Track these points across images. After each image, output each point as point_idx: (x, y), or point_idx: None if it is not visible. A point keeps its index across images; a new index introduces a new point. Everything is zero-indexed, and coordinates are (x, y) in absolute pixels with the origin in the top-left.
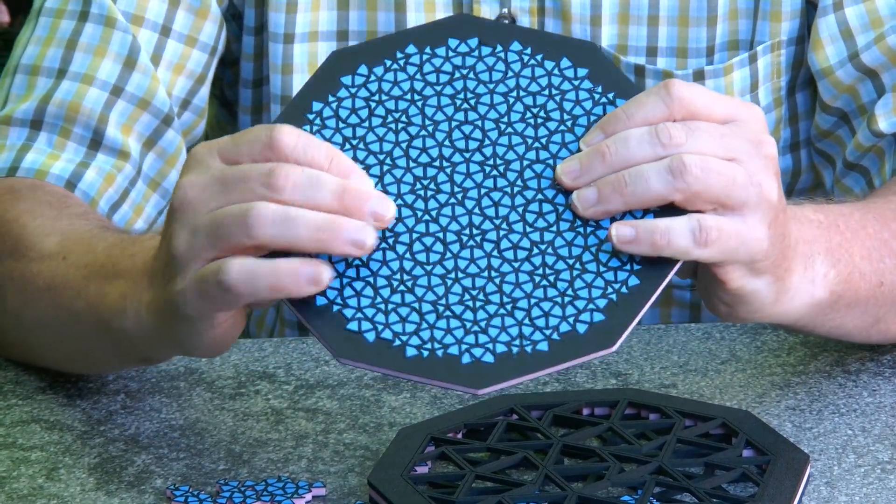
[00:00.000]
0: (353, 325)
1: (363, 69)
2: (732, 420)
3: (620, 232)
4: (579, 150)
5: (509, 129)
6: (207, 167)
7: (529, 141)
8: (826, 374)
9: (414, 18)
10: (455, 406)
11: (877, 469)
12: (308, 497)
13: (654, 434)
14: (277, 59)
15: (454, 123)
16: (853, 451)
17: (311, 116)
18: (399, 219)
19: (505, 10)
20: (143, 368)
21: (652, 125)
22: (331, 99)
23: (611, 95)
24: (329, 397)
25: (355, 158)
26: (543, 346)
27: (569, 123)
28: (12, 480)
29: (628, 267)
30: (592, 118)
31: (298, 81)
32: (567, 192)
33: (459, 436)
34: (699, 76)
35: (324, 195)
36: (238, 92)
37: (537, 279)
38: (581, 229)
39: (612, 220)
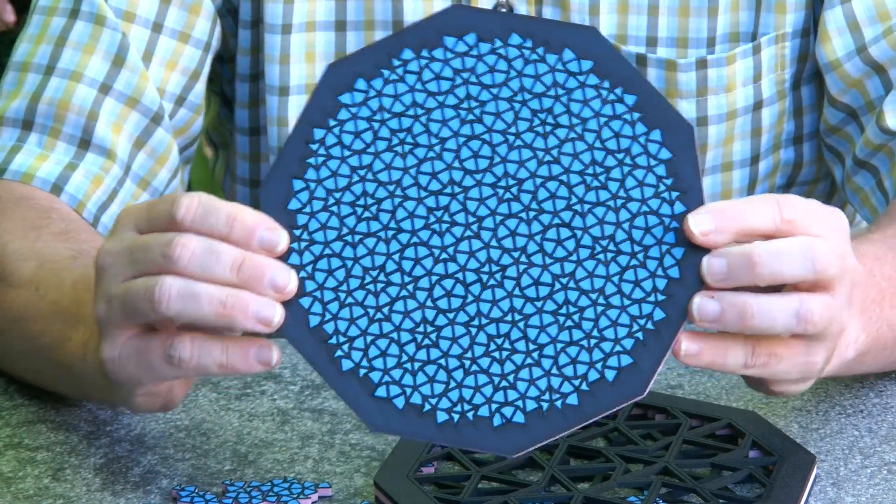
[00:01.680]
0: (381, 392)
1: (361, 83)
2: (739, 421)
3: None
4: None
5: (518, 142)
6: (122, 236)
7: (540, 154)
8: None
9: (412, 7)
10: None
11: (883, 470)
12: (314, 497)
13: (660, 435)
14: (275, 49)
15: (461, 140)
16: (860, 451)
17: (314, 147)
18: (416, 260)
19: None
20: None
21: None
22: (332, 123)
23: (619, 91)
24: (335, 398)
25: (364, 192)
26: (573, 400)
27: (578, 130)
28: (18, 481)
29: (652, 298)
30: (602, 120)
31: (296, 72)
32: (584, 214)
33: None
34: (702, 65)
35: (222, 269)
36: (235, 87)
37: (561, 319)
38: (601, 256)
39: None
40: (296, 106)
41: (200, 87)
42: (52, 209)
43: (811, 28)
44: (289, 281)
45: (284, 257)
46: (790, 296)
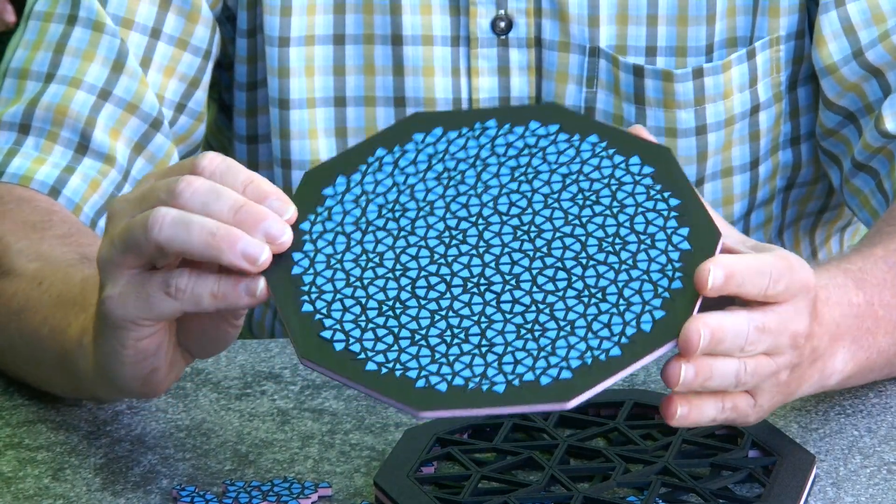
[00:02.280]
0: (326, 334)
1: (438, 130)
2: None
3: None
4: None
5: (555, 205)
6: (141, 186)
7: (570, 218)
8: None
9: (410, 22)
10: None
11: (882, 470)
12: (314, 497)
13: (659, 434)
14: (274, 62)
15: (505, 190)
16: (859, 451)
17: (371, 159)
18: (414, 257)
19: (501, 12)
20: None
21: (746, 318)
22: (396, 149)
23: (666, 195)
24: (335, 398)
25: (397, 200)
26: (500, 388)
27: (615, 210)
28: (18, 480)
29: (616, 339)
30: (640, 210)
31: (296, 85)
32: (586, 266)
33: (465, 436)
34: (698, 74)
35: (220, 206)
36: (233, 95)
37: (523, 332)
38: (586, 299)
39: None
40: (297, 120)
41: (201, 94)
42: (53, 211)
43: (805, 30)
44: (283, 232)
45: (300, 220)
46: (733, 359)
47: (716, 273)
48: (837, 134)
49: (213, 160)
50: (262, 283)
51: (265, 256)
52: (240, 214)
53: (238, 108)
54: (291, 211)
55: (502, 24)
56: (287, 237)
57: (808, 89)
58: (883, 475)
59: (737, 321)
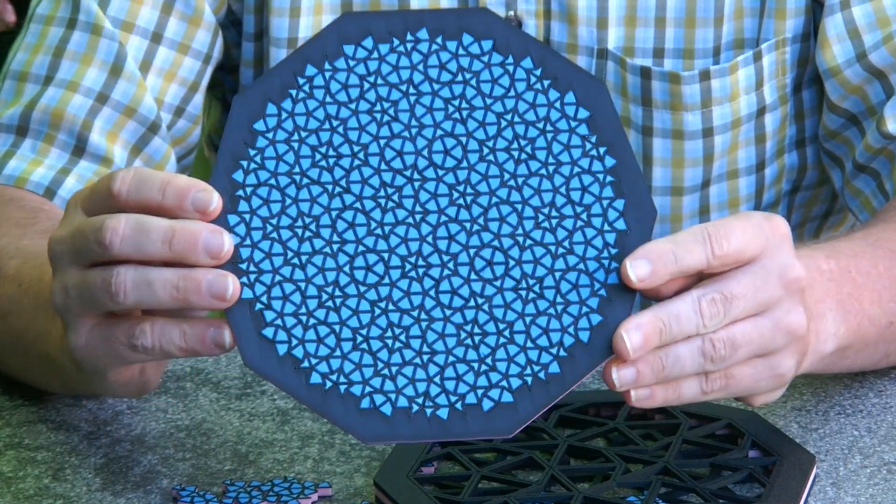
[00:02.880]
0: (268, 332)
1: (368, 41)
2: (738, 421)
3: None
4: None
5: (490, 157)
6: (70, 221)
7: (506, 177)
8: (832, 375)
9: None
10: None
11: (883, 470)
12: (314, 497)
13: (659, 435)
14: None
15: (439, 132)
16: (859, 451)
17: (301, 81)
18: (351, 225)
19: (511, 13)
20: None
21: (692, 295)
22: (327, 67)
23: (602, 150)
24: None
25: (329, 142)
26: (443, 413)
27: (550, 169)
28: (18, 480)
29: (554, 351)
30: (575, 169)
31: None
32: (523, 248)
33: None
34: (705, 76)
35: (153, 244)
36: None
37: (462, 336)
38: (523, 293)
39: (560, 298)
40: None
41: (199, 98)
42: (41, 210)
43: (811, 32)
44: (223, 245)
45: (231, 169)
46: (694, 338)
47: (636, 265)
48: (840, 136)
49: (123, 179)
50: (227, 335)
51: (233, 288)
52: (175, 245)
53: None
54: (215, 200)
55: (524, 32)
56: (228, 245)
57: (812, 92)
58: (883, 475)
59: (678, 305)
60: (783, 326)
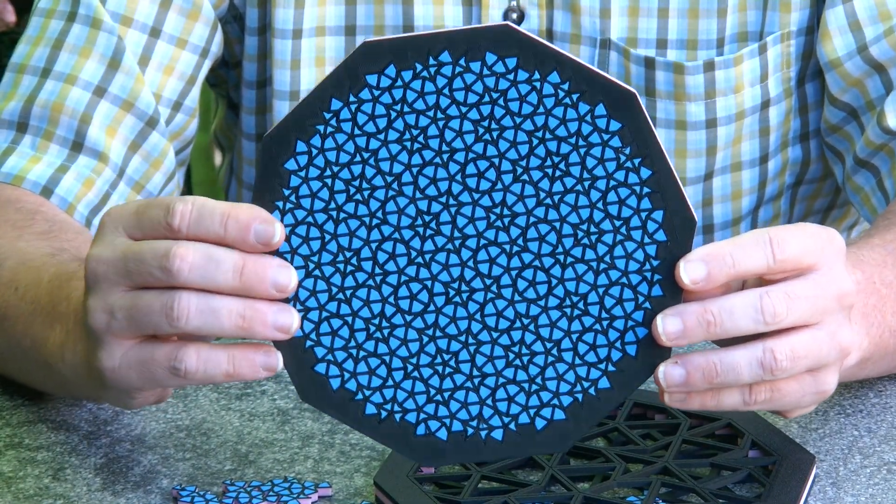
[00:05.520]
0: (320, 368)
1: (391, 70)
2: (738, 421)
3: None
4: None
5: (524, 176)
6: (112, 242)
7: (542, 195)
8: None
9: (422, 12)
10: None
11: (882, 470)
12: (314, 497)
13: (659, 434)
14: (285, 55)
15: (471, 156)
16: (859, 451)
17: (327, 116)
18: (392, 255)
19: (513, 3)
20: None
21: (755, 292)
22: (352, 99)
23: (637, 161)
24: None
25: (362, 175)
26: (498, 435)
27: (586, 185)
28: (18, 480)
29: (602, 366)
30: (611, 183)
31: (306, 76)
32: (565, 265)
33: None
34: (709, 67)
35: (224, 276)
36: (241, 93)
37: (511, 357)
38: (568, 311)
39: (605, 309)
40: None
41: (196, 91)
42: (38, 211)
43: (815, 25)
44: (290, 280)
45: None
46: (753, 346)
47: (690, 268)
48: (841, 130)
49: (183, 213)
50: (279, 359)
51: (297, 322)
52: (245, 277)
53: (246, 107)
54: (279, 233)
55: (514, 16)
56: (294, 282)
57: (816, 85)
58: (883, 475)
59: (733, 299)
60: (836, 341)
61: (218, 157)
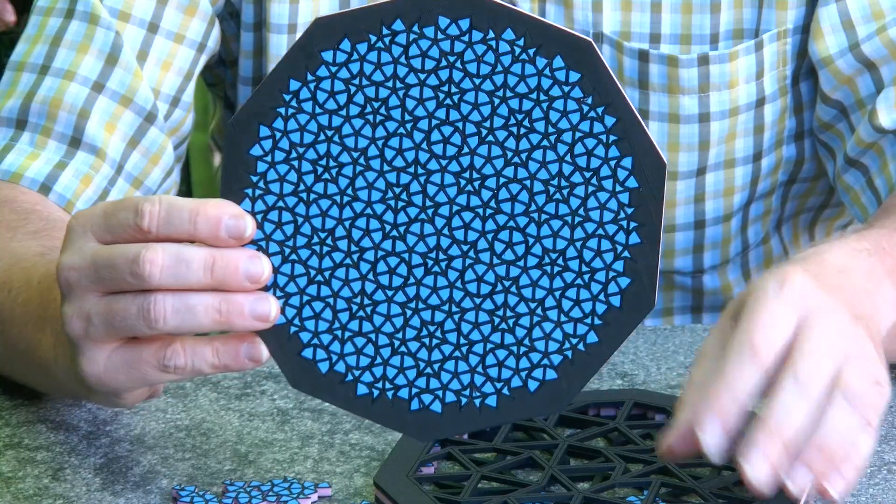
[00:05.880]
0: (307, 353)
1: (346, 44)
2: None
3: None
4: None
5: (490, 137)
6: (81, 248)
7: (509, 154)
8: None
9: None
10: None
11: (883, 470)
12: (314, 497)
13: (659, 434)
14: (280, 49)
15: (434, 122)
16: None
17: (287, 97)
18: (366, 231)
19: None
20: None
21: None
22: (309, 78)
23: (599, 111)
24: None
25: (328, 153)
26: (492, 401)
27: (552, 139)
28: (18, 480)
29: (589, 321)
30: (577, 135)
31: None
32: (540, 223)
33: (465, 436)
34: (703, 61)
35: (194, 273)
36: (238, 91)
37: (496, 321)
38: (548, 268)
39: (585, 271)
40: None
41: (192, 87)
42: (34, 211)
43: (810, 24)
44: (262, 270)
45: (237, 201)
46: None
47: (708, 438)
48: (833, 128)
49: (152, 214)
50: (263, 349)
51: (275, 310)
52: (216, 273)
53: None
54: (250, 226)
55: (500, 3)
56: (267, 271)
57: (809, 84)
58: (883, 475)
59: (780, 400)
60: (865, 421)
61: (217, 158)
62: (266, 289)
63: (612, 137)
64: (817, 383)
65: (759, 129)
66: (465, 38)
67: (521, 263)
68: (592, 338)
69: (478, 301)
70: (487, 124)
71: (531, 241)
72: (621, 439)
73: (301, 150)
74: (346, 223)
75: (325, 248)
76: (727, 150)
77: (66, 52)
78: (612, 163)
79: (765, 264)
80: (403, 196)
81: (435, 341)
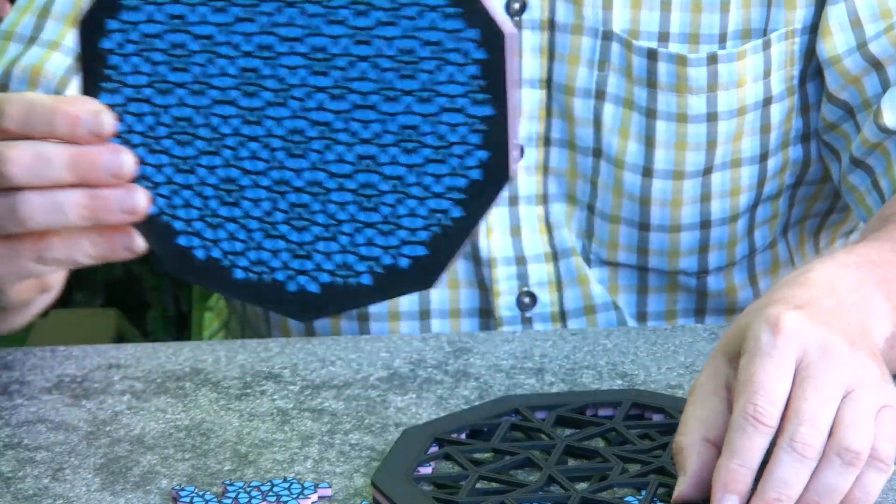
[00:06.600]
0: (182, 240)
1: None
2: None
3: None
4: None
5: (334, 16)
6: None
7: (354, 32)
8: None
9: None
10: (460, 406)
11: None
12: (314, 497)
13: (657, 435)
14: None
15: (277, 5)
16: None
17: None
18: (224, 118)
19: None
20: (148, 369)
21: (785, 446)
22: None
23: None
24: (335, 398)
25: (179, 43)
26: (367, 280)
27: (395, 14)
28: (18, 481)
29: (452, 196)
30: (419, 9)
31: None
32: (392, 100)
33: (463, 436)
34: (712, 60)
35: (56, 171)
36: None
37: (361, 200)
38: (405, 145)
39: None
40: None
41: None
42: None
43: (818, 24)
44: (123, 164)
45: (95, 96)
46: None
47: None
48: (838, 128)
49: (11, 114)
50: (137, 239)
51: (143, 202)
52: (78, 170)
53: None
54: (108, 123)
55: (516, 6)
56: (129, 165)
57: (816, 84)
58: None
59: (777, 470)
60: (879, 450)
61: None
62: (135, 181)
63: (455, 10)
64: (812, 448)
65: (765, 128)
66: None
67: (379, 141)
68: (457, 212)
69: (341, 181)
70: (332, 2)
71: (386, 119)
72: (619, 439)
73: (152, 41)
74: (204, 111)
75: (187, 137)
76: (733, 150)
77: (54, 24)
78: (457, 35)
79: (771, 269)
80: (255, 80)
81: (303, 223)
